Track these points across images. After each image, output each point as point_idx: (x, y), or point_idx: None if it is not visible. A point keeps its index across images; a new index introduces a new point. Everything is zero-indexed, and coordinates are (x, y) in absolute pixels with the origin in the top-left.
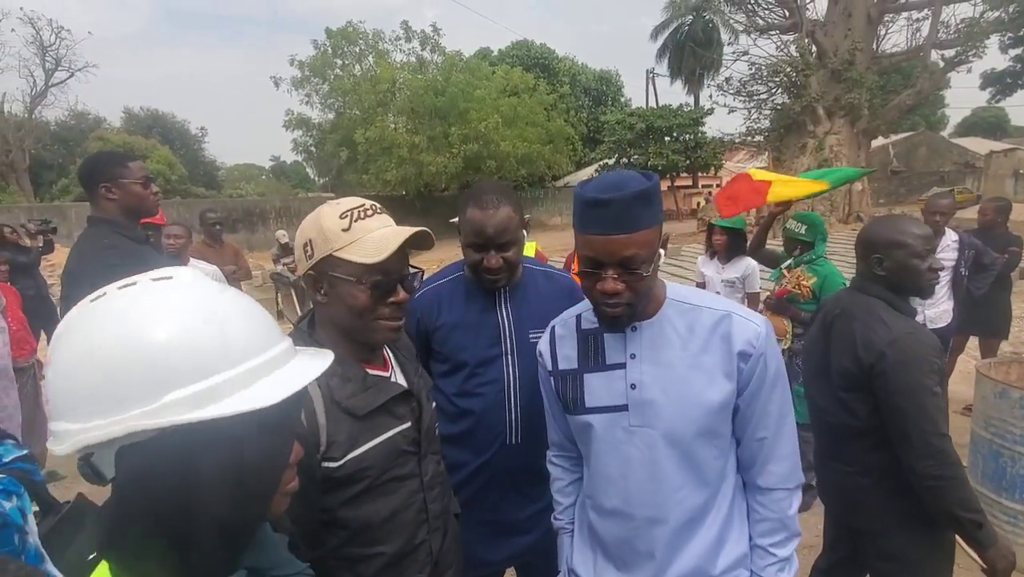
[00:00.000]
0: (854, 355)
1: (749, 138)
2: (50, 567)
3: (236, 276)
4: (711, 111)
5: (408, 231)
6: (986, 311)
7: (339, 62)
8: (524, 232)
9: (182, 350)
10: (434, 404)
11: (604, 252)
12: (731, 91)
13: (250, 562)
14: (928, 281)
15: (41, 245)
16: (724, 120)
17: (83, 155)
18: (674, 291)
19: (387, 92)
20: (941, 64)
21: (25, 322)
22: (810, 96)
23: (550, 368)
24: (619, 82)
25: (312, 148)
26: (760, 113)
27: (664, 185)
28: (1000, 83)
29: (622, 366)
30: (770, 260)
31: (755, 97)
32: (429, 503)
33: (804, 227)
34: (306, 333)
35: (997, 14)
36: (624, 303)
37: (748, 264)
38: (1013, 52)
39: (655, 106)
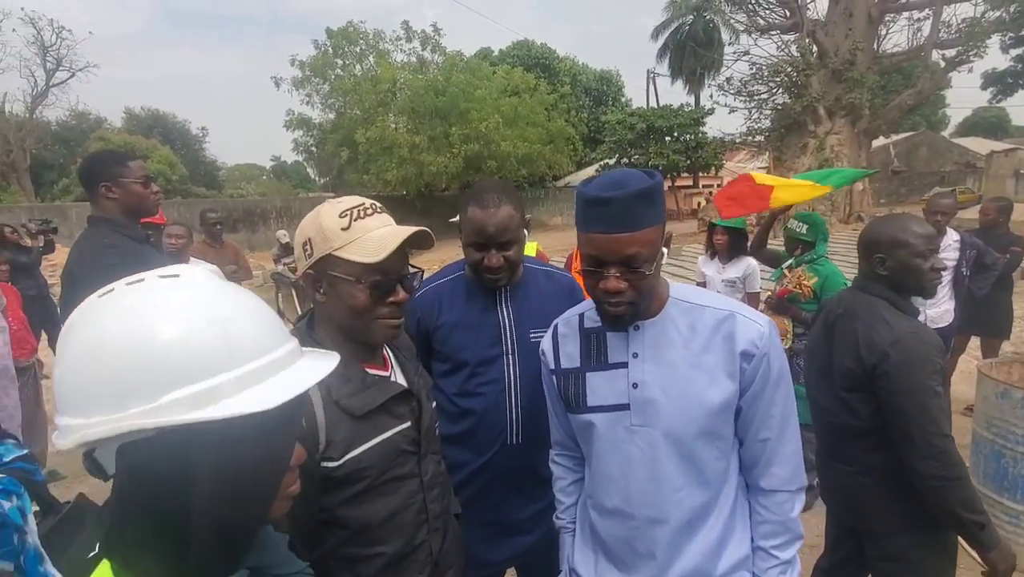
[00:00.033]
0: (856, 355)
1: (750, 138)
2: (49, 567)
3: (237, 276)
4: (712, 111)
5: (408, 231)
6: (988, 311)
7: (340, 62)
8: (525, 231)
9: (184, 350)
10: (434, 404)
11: (606, 251)
12: (732, 91)
13: (252, 561)
14: (931, 281)
15: (42, 245)
16: (725, 120)
17: (84, 155)
18: (677, 290)
19: (388, 92)
20: (942, 64)
21: (26, 322)
22: (811, 96)
23: (552, 366)
24: (620, 82)
25: (313, 148)
26: (761, 113)
27: (665, 185)
28: (1001, 83)
29: (624, 365)
30: (771, 260)
31: (756, 97)
32: (429, 503)
33: (805, 227)
34: (305, 332)
35: (998, 14)
36: (626, 302)
37: (749, 264)
38: (1014, 52)
39: (656, 106)
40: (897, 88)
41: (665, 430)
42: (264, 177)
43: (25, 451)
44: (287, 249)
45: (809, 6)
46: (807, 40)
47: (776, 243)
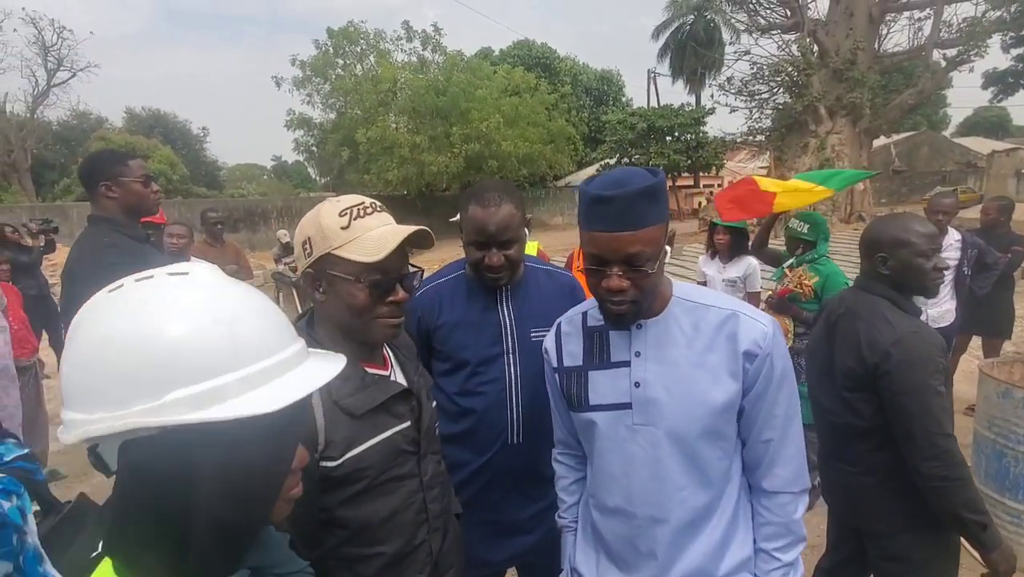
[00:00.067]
0: (858, 355)
1: (751, 138)
2: (49, 568)
3: (237, 275)
4: (712, 111)
5: (407, 230)
6: (989, 311)
7: (340, 62)
8: (526, 230)
9: (189, 348)
10: (434, 403)
11: (608, 249)
12: (733, 91)
13: (253, 561)
14: (933, 280)
15: (43, 245)
16: (726, 120)
17: (85, 155)
18: (681, 289)
19: (388, 92)
20: (943, 63)
21: (26, 321)
22: (812, 95)
23: (555, 365)
24: (620, 82)
25: (314, 148)
26: (762, 113)
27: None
28: (1002, 82)
29: (627, 364)
30: (773, 259)
31: (757, 96)
32: (429, 503)
33: (807, 226)
34: (305, 331)
35: (999, 13)
36: (629, 300)
37: (749, 263)
38: (1015, 52)
39: (656, 106)
40: (898, 88)
41: (667, 429)
42: (265, 177)
43: (26, 450)
44: (288, 249)
45: (810, 6)
46: (808, 40)
47: (777, 242)
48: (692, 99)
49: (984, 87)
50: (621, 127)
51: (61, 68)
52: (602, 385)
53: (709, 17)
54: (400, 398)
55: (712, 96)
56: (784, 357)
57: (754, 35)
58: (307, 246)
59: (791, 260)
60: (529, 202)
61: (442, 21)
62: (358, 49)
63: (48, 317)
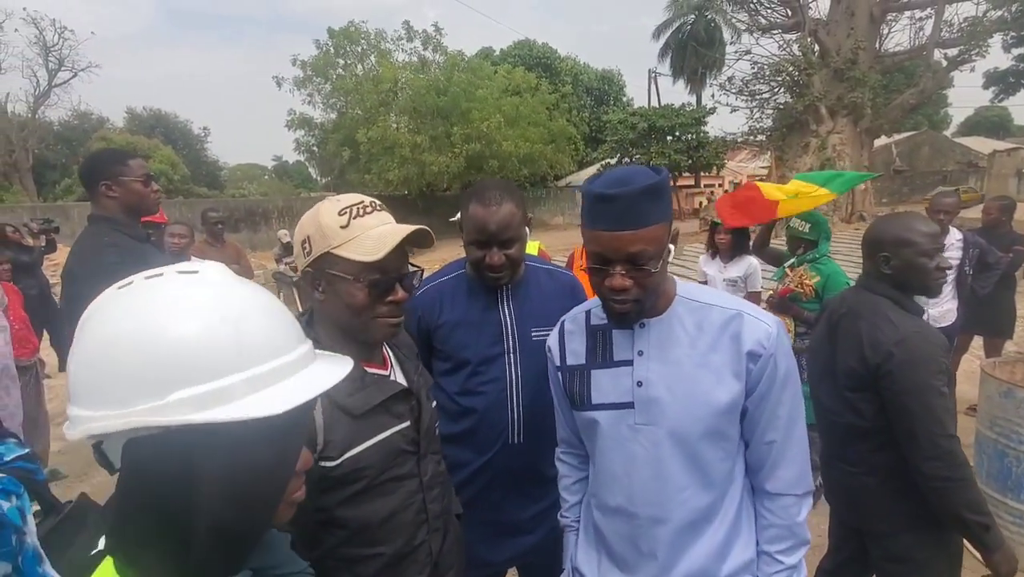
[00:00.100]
0: (860, 355)
1: (752, 137)
2: (48, 568)
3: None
4: (713, 110)
5: (407, 229)
6: (990, 310)
7: (341, 62)
8: (527, 229)
9: (194, 348)
10: (435, 403)
11: (611, 248)
12: (733, 90)
13: (255, 562)
14: (936, 280)
15: (44, 244)
16: (727, 119)
17: (86, 155)
18: (685, 288)
19: (389, 92)
20: (944, 63)
21: (27, 321)
22: (813, 95)
23: (558, 363)
24: (621, 81)
25: (314, 148)
26: (763, 112)
27: None
28: (1003, 82)
29: (629, 363)
30: (774, 259)
31: (757, 96)
32: (429, 503)
33: (808, 225)
34: (305, 330)
35: (1000, 13)
36: (632, 299)
37: (750, 263)
38: (1016, 51)
39: (657, 105)
40: (899, 87)
41: (669, 429)
42: (266, 177)
43: (26, 450)
44: (288, 249)
45: (811, 5)
46: (809, 39)
47: (778, 242)
48: (693, 99)
49: (985, 87)
50: (622, 127)
51: (62, 68)
52: (604, 384)
53: (710, 17)
54: (399, 398)
55: (713, 96)
56: (788, 358)
57: (755, 35)
58: (306, 245)
59: (792, 260)
60: (530, 202)
61: (443, 21)
62: (359, 49)
63: (49, 317)
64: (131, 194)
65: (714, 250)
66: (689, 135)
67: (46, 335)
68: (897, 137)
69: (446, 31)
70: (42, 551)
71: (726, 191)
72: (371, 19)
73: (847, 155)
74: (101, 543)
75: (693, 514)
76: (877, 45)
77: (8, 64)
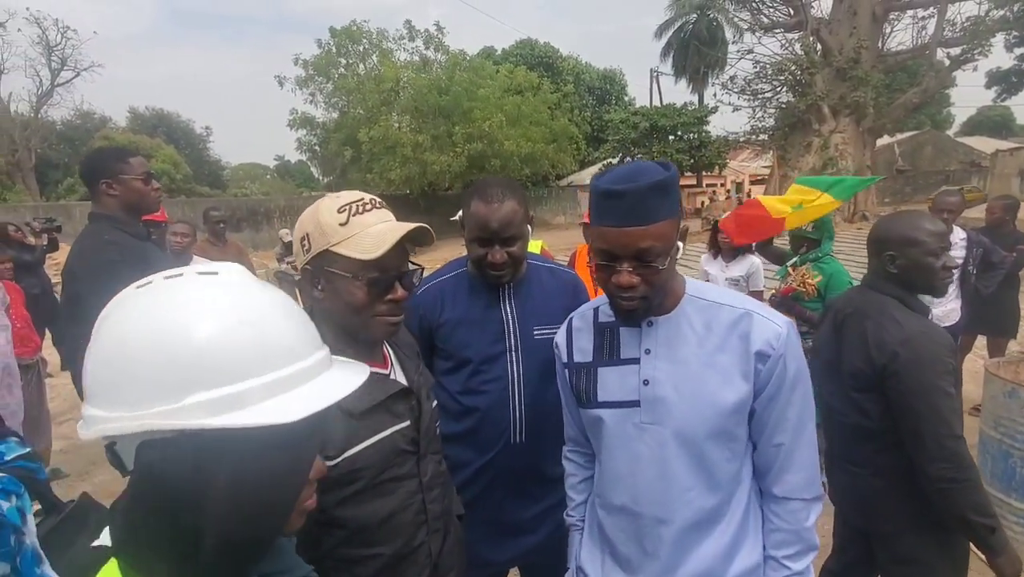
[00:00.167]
0: (866, 355)
1: (754, 137)
2: (47, 569)
3: None
4: (715, 110)
5: (406, 227)
6: (994, 310)
7: (343, 61)
8: (529, 227)
9: (212, 351)
10: (435, 402)
11: (618, 244)
12: (736, 89)
13: (264, 568)
14: (942, 280)
15: (46, 243)
16: (728, 119)
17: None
18: (694, 287)
19: (391, 91)
20: (946, 62)
21: (29, 320)
22: (815, 94)
23: (565, 360)
24: (623, 81)
25: (316, 147)
26: (765, 111)
27: None
28: (1006, 82)
29: (636, 361)
30: (777, 258)
31: (760, 95)
32: (428, 504)
33: (811, 225)
34: None
35: (1002, 12)
36: (639, 296)
37: (752, 262)
38: (1018, 51)
39: (659, 105)
40: (902, 87)
41: (675, 429)
42: (268, 176)
43: (27, 449)
44: (290, 248)
45: (813, 4)
46: (811, 38)
47: (781, 241)
48: (695, 98)
49: (988, 86)
50: (624, 126)
51: (65, 68)
52: (611, 382)
53: (712, 16)
54: (399, 397)
55: (715, 95)
56: (799, 359)
57: (757, 34)
58: (305, 243)
59: (795, 259)
60: (532, 201)
61: (444, 20)
62: (361, 48)
63: (51, 316)
64: (132, 192)
65: (716, 249)
66: (691, 134)
67: (48, 334)
68: (900, 137)
69: (448, 30)
70: (41, 551)
71: (728, 191)
72: (373, 18)
73: (849, 155)
74: (103, 536)
75: (698, 515)
76: (880, 44)
77: (11, 64)
